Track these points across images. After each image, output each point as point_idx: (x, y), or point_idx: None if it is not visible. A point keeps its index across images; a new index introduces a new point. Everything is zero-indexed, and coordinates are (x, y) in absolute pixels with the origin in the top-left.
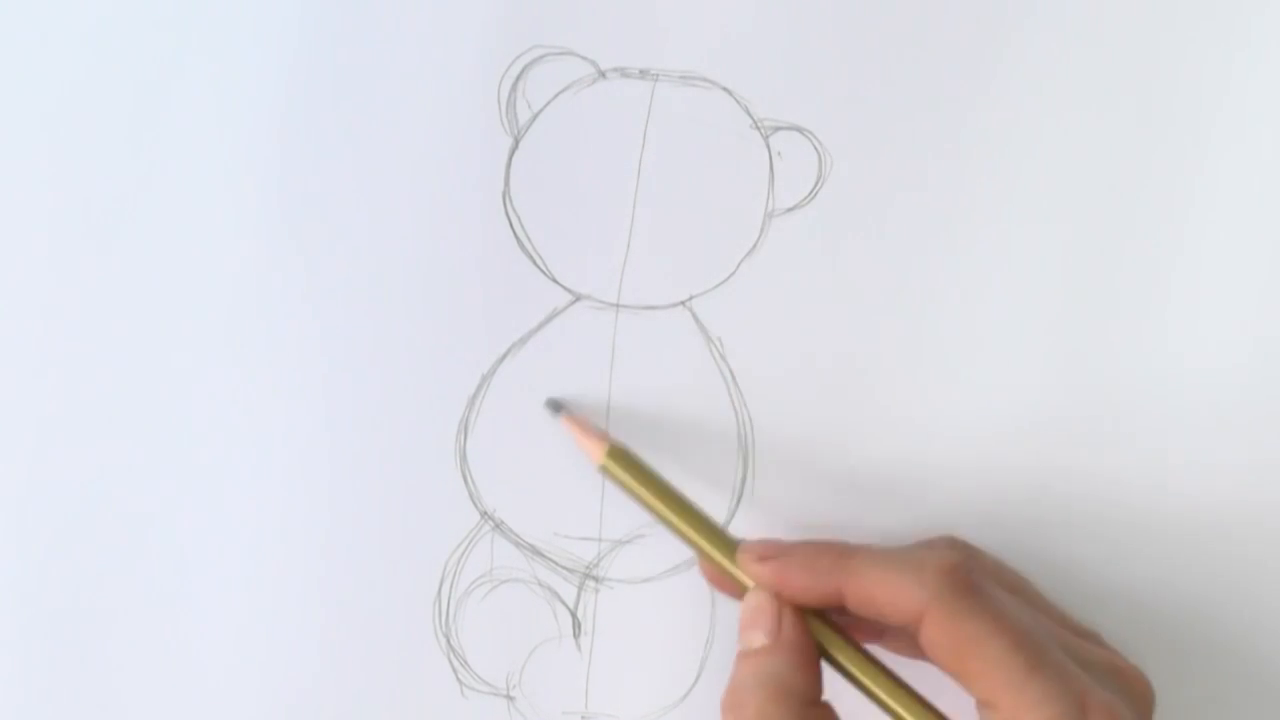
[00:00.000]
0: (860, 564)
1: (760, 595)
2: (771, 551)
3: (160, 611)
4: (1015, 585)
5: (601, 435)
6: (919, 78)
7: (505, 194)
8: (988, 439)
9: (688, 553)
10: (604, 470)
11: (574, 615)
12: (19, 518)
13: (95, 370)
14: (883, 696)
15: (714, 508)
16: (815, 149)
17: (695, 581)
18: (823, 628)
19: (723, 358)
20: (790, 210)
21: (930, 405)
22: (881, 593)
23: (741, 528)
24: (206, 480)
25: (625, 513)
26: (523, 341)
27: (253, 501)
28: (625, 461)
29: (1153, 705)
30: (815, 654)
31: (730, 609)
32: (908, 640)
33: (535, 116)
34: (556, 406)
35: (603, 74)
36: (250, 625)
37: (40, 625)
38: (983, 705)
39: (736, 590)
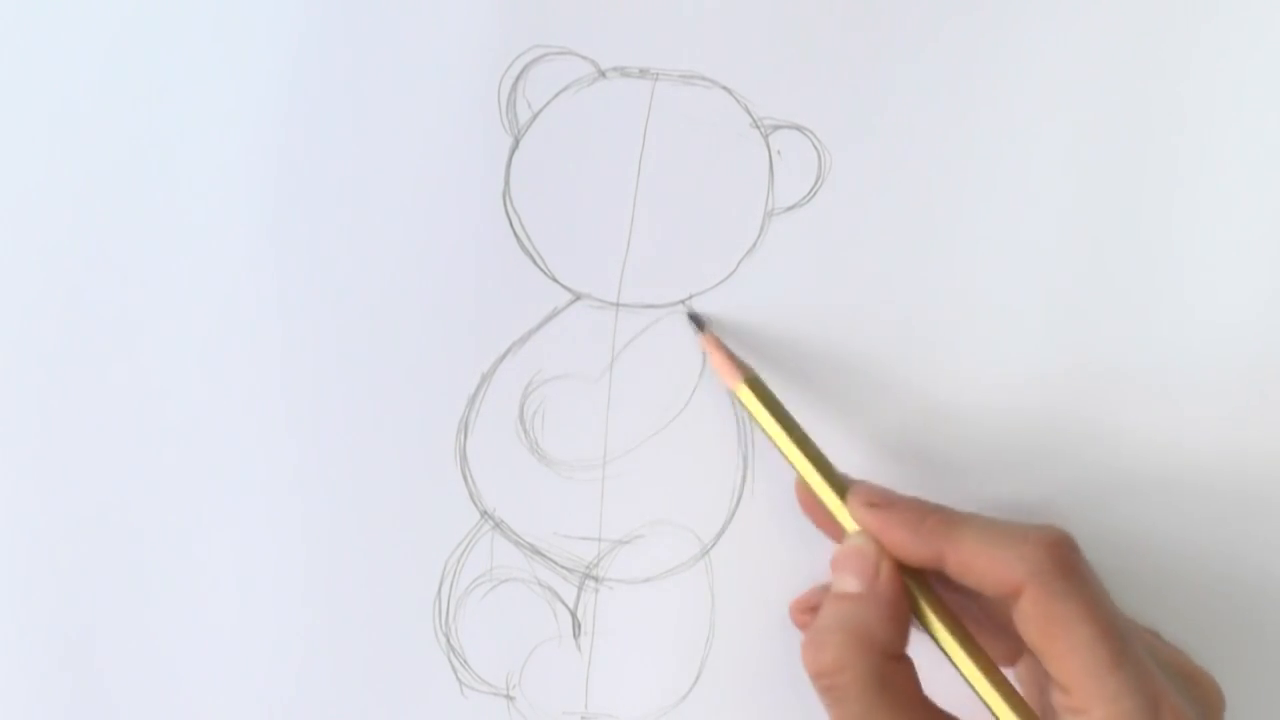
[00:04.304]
0: (964, 531)
1: (861, 540)
2: (880, 500)
3: (160, 611)
4: None
5: (739, 363)
6: (919, 77)
7: (505, 194)
8: (988, 437)
9: (687, 553)
10: (736, 396)
11: (574, 615)
12: (19, 519)
13: (96, 370)
14: (965, 663)
15: (714, 508)
16: (815, 148)
17: (695, 581)
18: (917, 586)
19: None
20: (790, 209)
21: (930, 404)
22: (982, 562)
23: (741, 528)
24: (206, 479)
25: (625, 513)
26: (523, 341)
27: (253, 501)
28: (758, 390)
29: (1222, 711)
30: (906, 609)
31: (731, 609)
32: (995, 626)
33: (535, 116)
34: (700, 323)
35: (603, 74)
36: (250, 624)
37: (42, 623)
38: (1058, 688)
39: (832, 528)
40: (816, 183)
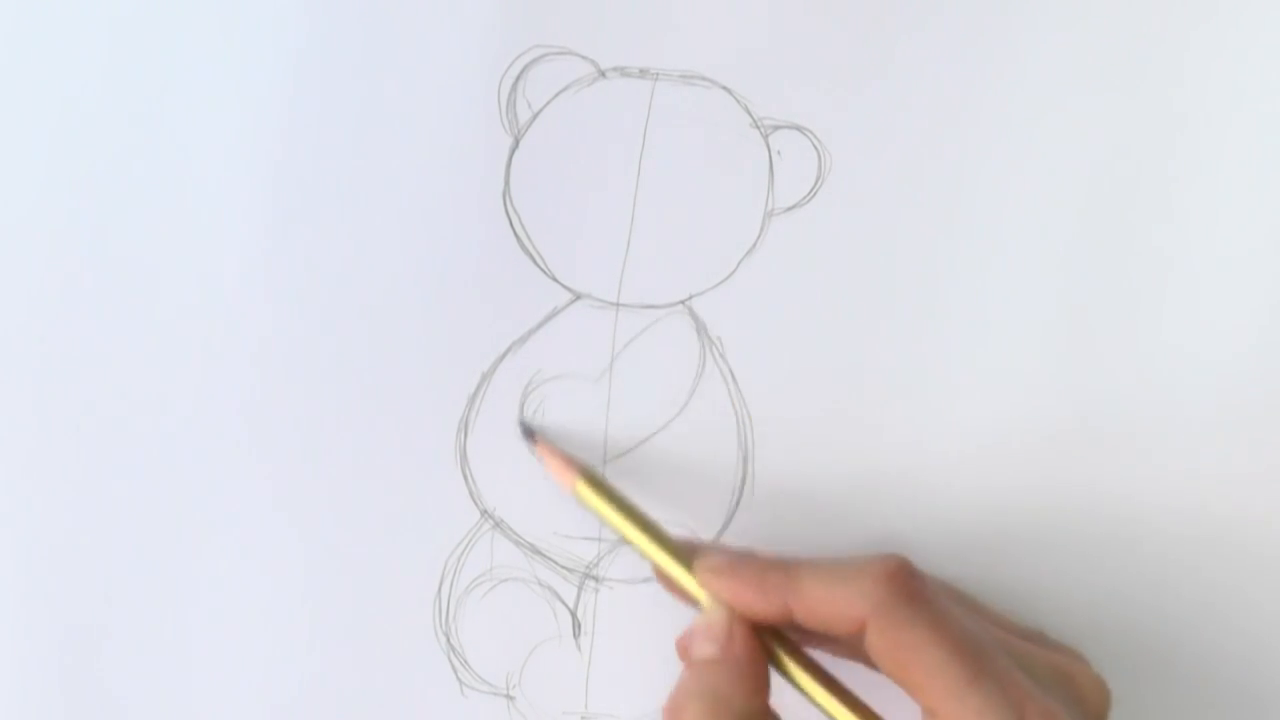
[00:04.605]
0: (803, 578)
1: (714, 609)
2: (723, 565)
3: (159, 610)
4: (953, 595)
5: (574, 462)
6: (919, 78)
7: (505, 194)
8: (988, 438)
9: None
10: (577, 496)
11: (574, 615)
12: (19, 519)
13: (95, 369)
14: (834, 707)
15: (714, 508)
16: (815, 148)
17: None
18: (777, 642)
19: (723, 357)
20: (790, 209)
21: (930, 405)
22: (825, 606)
23: (742, 527)
24: (206, 479)
25: None
26: (523, 341)
27: (253, 500)
28: (597, 487)
29: (1106, 708)
30: (763, 669)
31: None
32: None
33: (535, 116)
34: (530, 432)
35: (603, 74)
36: (250, 624)
37: (41, 623)
38: (926, 714)
39: (695, 603)
40: (816, 183)
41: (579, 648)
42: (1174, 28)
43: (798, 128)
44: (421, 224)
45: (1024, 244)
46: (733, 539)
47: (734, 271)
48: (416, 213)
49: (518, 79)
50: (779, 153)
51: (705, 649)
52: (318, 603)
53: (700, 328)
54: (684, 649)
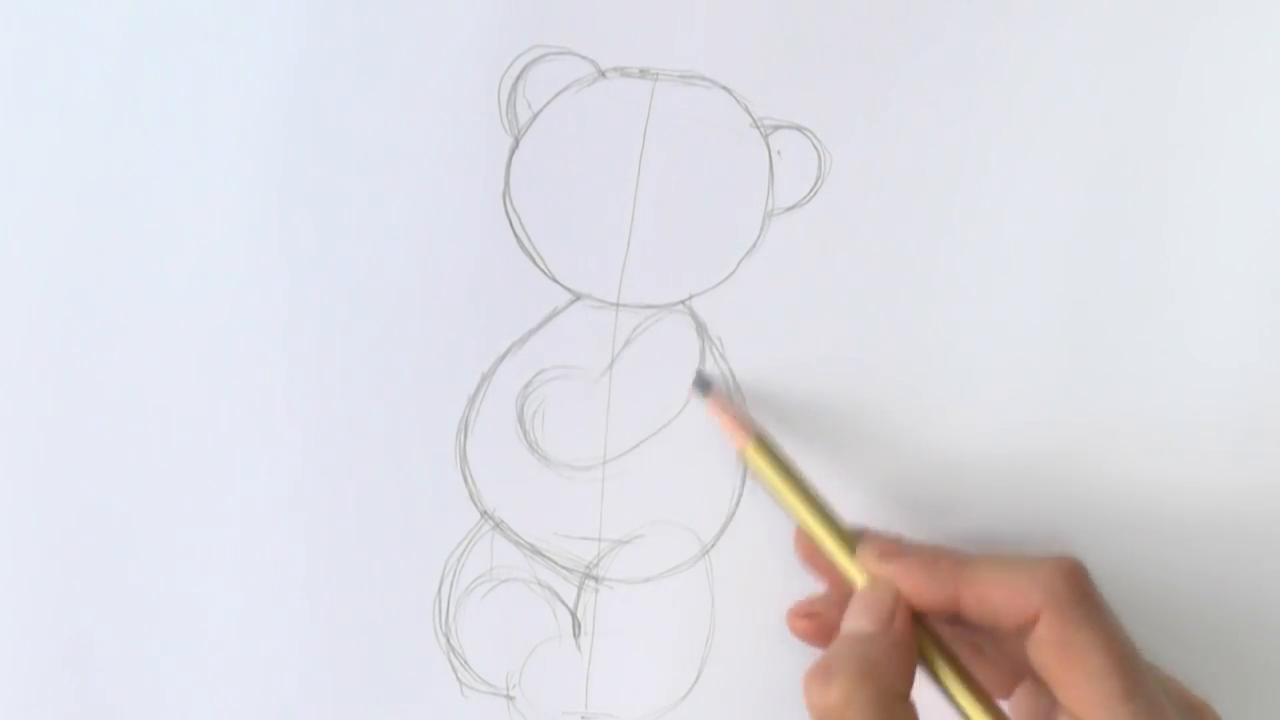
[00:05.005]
0: (977, 567)
1: (880, 588)
2: (893, 550)
3: (160, 610)
4: None
5: (746, 423)
6: (919, 77)
7: (505, 194)
8: (988, 436)
9: (687, 553)
10: (743, 457)
11: (574, 615)
12: (20, 519)
13: (97, 370)
14: (973, 710)
15: (714, 508)
16: (815, 148)
17: (695, 581)
18: (925, 634)
19: (723, 357)
20: (790, 209)
21: (930, 404)
22: (998, 594)
23: (741, 528)
24: (206, 479)
25: (625, 513)
26: (523, 341)
27: (253, 501)
28: (765, 451)
29: None
30: (914, 656)
31: (731, 609)
32: (995, 659)
33: (535, 116)
34: (705, 386)
35: (603, 74)
36: (250, 624)
37: (42, 623)
38: (1069, 717)
39: (833, 576)
40: (816, 183)
41: (579, 648)
42: (1174, 27)
43: (798, 128)
44: (421, 224)
45: (1024, 243)
46: (732, 539)
47: (734, 271)
48: (417, 213)
49: (518, 79)
50: (779, 153)
51: (860, 623)
52: (318, 603)
53: (700, 328)
54: (802, 616)
